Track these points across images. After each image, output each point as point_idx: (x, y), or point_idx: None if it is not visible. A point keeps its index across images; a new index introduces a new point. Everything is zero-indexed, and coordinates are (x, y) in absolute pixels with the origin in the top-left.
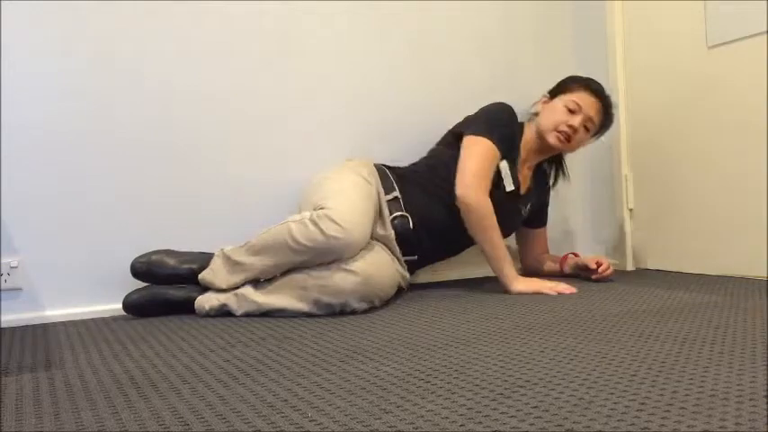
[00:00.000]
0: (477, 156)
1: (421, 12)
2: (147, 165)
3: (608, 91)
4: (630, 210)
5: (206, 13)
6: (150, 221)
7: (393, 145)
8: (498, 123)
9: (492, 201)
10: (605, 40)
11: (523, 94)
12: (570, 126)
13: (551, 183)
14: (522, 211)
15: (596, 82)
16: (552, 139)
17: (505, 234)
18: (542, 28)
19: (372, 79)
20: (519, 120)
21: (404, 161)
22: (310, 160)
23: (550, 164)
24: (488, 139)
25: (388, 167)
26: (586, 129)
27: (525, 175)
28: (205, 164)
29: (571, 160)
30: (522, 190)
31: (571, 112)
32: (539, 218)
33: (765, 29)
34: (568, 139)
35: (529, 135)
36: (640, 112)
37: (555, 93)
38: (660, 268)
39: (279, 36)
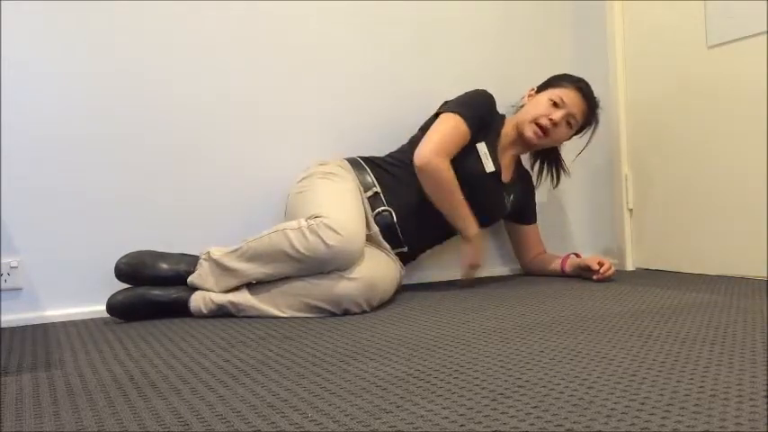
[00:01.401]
0: (441, 129)
1: (420, 11)
2: (147, 165)
3: (597, 94)
4: (630, 210)
5: (206, 13)
6: (151, 221)
7: (393, 144)
8: (472, 104)
9: (474, 181)
10: (605, 40)
11: (523, 93)
12: (551, 120)
13: (554, 184)
14: (506, 199)
15: (586, 83)
16: (529, 131)
17: (492, 220)
18: (542, 28)
19: (372, 79)
20: (502, 113)
21: None
22: (311, 160)
23: (549, 164)
24: (457, 114)
25: (365, 159)
26: (568, 124)
27: (506, 164)
28: (205, 164)
29: (571, 160)
30: (505, 178)
31: (555, 105)
32: (526, 214)
33: (765, 29)
34: (546, 132)
35: (508, 126)
36: (640, 112)
37: (543, 88)
38: (660, 268)
39: (279, 36)
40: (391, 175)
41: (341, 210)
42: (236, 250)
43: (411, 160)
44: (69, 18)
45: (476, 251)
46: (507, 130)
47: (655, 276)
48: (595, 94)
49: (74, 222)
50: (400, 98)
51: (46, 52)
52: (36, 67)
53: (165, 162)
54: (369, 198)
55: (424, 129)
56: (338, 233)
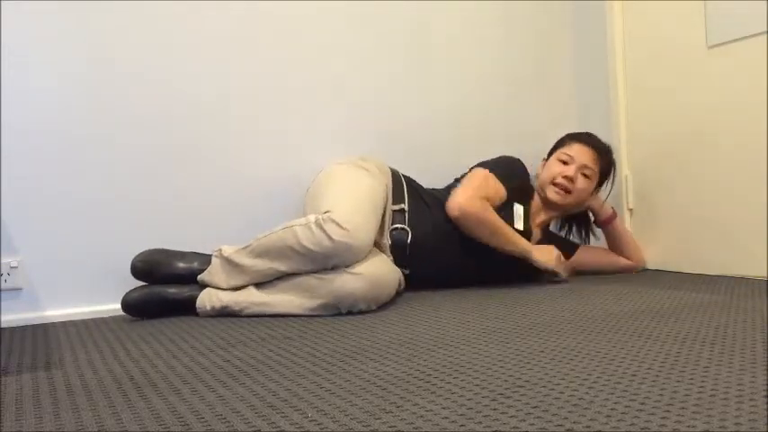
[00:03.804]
0: (473, 182)
1: (419, 11)
2: (146, 164)
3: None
4: (630, 210)
5: (207, 13)
6: (150, 221)
7: (393, 144)
8: (507, 167)
9: None
10: (605, 40)
11: (523, 92)
12: (565, 177)
13: (583, 241)
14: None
15: (589, 134)
16: (551, 193)
17: (517, 278)
18: (542, 28)
19: (371, 80)
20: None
21: (403, 164)
22: (311, 160)
23: (578, 227)
24: (492, 172)
25: (406, 178)
26: (586, 176)
27: (535, 233)
28: (205, 164)
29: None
30: (533, 240)
31: (565, 163)
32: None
33: (765, 29)
34: (566, 190)
35: (535, 196)
36: (640, 111)
37: (550, 154)
38: (660, 268)
39: (280, 37)
40: (424, 203)
41: (350, 204)
42: (246, 247)
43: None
44: (69, 18)
45: (547, 259)
46: (535, 200)
47: (655, 276)
48: (604, 141)
49: (74, 222)
50: (399, 98)
51: (46, 52)
52: (36, 67)
53: (165, 162)
54: (394, 211)
55: (460, 180)
56: (342, 227)
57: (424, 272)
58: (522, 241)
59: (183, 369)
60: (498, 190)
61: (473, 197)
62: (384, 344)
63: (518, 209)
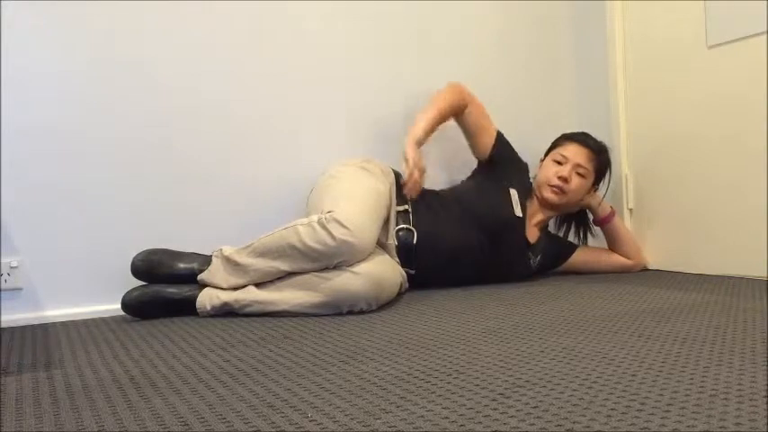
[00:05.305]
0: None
1: (420, 11)
2: (147, 165)
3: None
4: (630, 210)
5: (207, 13)
6: (150, 222)
7: (394, 146)
8: (512, 148)
9: (503, 223)
10: (605, 40)
11: (523, 93)
12: (560, 177)
13: (580, 242)
14: (532, 259)
15: (585, 133)
16: (547, 193)
17: (511, 272)
18: (542, 28)
19: (372, 80)
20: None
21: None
22: (311, 160)
23: (577, 226)
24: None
25: None
26: (581, 175)
27: (532, 231)
28: (205, 164)
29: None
30: (531, 238)
31: (559, 163)
32: (557, 264)
33: (765, 29)
34: (562, 189)
35: (533, 197)
36: (640, 112)
37: (546, 154)
38: (660, 268)
39: (281, 37)
40: (426, 204)
41: (353, 204)
42: (247, 247)
43: (452, 200)
44: (69, 18)
45: (410, 151)
46: (533, 200)
47: (655, 276)
48: (599, 140)
49: (74, 222)
50: (399, 99)
51: (46, 52)
52: (36, 67)
53: (166, 162)
54: (399, 212)
55: (472, 176)
56: (345, 226)
57: (429, 271)
58: (417, 121)
59: (183, 369)
60: (489, 125)
61: (464, 88)
62: (384, 344)
63: (514, 193)
